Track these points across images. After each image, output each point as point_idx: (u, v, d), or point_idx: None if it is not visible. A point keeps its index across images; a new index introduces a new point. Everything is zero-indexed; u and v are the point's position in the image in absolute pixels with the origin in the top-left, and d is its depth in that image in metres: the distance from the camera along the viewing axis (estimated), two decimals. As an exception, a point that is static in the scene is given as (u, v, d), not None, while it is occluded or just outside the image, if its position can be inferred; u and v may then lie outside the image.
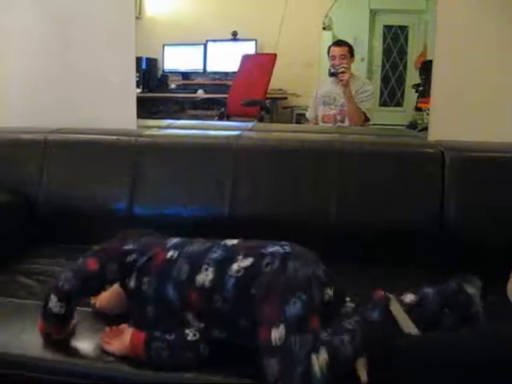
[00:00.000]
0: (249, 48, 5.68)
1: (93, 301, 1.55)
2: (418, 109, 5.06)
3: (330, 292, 1.36)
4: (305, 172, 1.92)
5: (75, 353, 1.37)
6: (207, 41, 5.96)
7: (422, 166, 1.91)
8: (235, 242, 1.45)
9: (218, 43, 5.99)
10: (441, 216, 1.85)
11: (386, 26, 6.46)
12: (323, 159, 1.93)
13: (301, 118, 5.00)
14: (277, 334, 1.21)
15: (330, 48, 3.75)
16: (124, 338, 1.36)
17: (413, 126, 5.08)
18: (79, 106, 2.34)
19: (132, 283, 1.45)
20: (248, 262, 1.35)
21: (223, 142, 2.01)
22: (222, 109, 4.99)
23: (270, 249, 1.37)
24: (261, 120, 4.52)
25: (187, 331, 1.35)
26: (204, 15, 5.90)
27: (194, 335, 1.34)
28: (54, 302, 1.39)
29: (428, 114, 2.29)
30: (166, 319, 1.41)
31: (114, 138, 2.08)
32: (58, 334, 1.42)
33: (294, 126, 3.77)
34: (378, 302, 1.38)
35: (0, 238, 1.88)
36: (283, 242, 1.41)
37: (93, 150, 2.08)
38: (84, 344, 1.39)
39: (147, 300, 1.43)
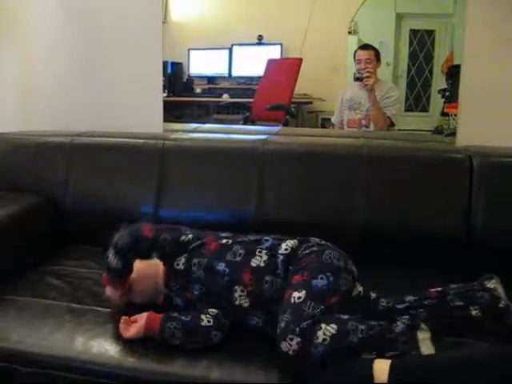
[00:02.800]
0: (274, 52, 5.68)
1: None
2: (444, 114, 5.01)
3: (359, 288, 1.49)
4: (332, 177, 1.91)
5: (103, 353, 1.38)
6: (232, 45, 5.97)
7: (450, 171, 1.89)
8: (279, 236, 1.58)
9: (244, 47, 6.00)
10: (468, 221, 1.83)
11: (412, 30, 6.40)
12: (350, 164, 1.92)
13: (326, 123, 4.99)
14: (297, 294, 1.34)
15: (355, 52, 3.74)
16: (140, 322, 1.42)
17: (438, 131, 5.03)
18: (106, 109, 2.36)
19: (181, 264, 1.55)
20: (294, 242, 1.52)
21: (250, 147, 2.01)
22: (247, 113, 4.99)
23: (314, 239, 1.53)
24: (286, 124, 4.52)
25: (202, 316, 1.42)
26: (229, 19, 5.92)
27: (209, 322, 1.41)
28: (111, 257, 1.52)
29: (454, 119, 2.27)
30: (210, 297, 1.49)
31: (141, 141, 2.09)
32: (119, 287, 1.53)
33: (320, 130, 3.76)
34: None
35: (28, 240, 1.90)
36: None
37: (119, 154, 2.09)
38: (111, 345, 1.40)
39: (194, 280, 1.52)
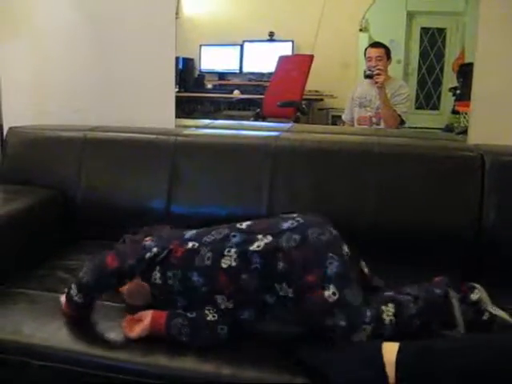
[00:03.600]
0: (285, 49, 5.68)
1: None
2: (454, 112, 5.00)
3: (346, 249, 1.42)
4: (343, 174, 1.91)
5: (114, 348, 1.38)
6: (244, 41, 5.98)
7: (462, 169, 1.88)
8: (248, 223, 1.51)
9: (255, 44, 6.00)
10: (479, 220, 1.83)
11: (423, 28, 6.39)
12: (362, 161, 1.92)
13: (336, 120, 4.98)
14: (328, 292, 1.30)
15: (366, 49, 3.73)
16: (145, 321, 1.40)
17: (449, 129, 5.01)
18: (118, 104, 2.37)
19: (157, 278, 1.49)
20: (268, 239, 1.41)
21: (262, 143, 2.01)
22: (258, 109, 5.00)
23: (285, 224, 1.43)
24: (296, 121, 4.52)
25: (207, 311, 1.40)
26: (241, 16, 5.92)
27: (214, 316, 1.39)
28: (74, 291, 1.47)
29: (465, 118, 2.26)
30: (196, 306, 1.44)
31: (153, 136, 2.10)
32: (77, 317, 1.49)
33: (332, 127, 3.76)
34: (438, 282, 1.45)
35: (40, 234, 1.92)
36: (294, 215, 1.47)
37: (131, 149, 2.10)
38: (122, 340, 1.40)
39: (175, 292, 1.48)
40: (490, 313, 1.38)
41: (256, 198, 1.93)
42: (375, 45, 3.71)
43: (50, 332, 1.44)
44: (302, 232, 1.40)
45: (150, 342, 1.38)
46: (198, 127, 2.36)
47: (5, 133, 2.24)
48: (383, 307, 1.32)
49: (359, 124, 3.68)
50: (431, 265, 1.74)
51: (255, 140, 2.07)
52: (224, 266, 1.41)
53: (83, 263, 1.53)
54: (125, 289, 1.55)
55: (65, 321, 1.49)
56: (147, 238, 1.58)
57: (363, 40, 5.55)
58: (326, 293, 1.31)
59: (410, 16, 6.27)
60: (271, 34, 5.84)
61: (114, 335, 1.42)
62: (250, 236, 1.44)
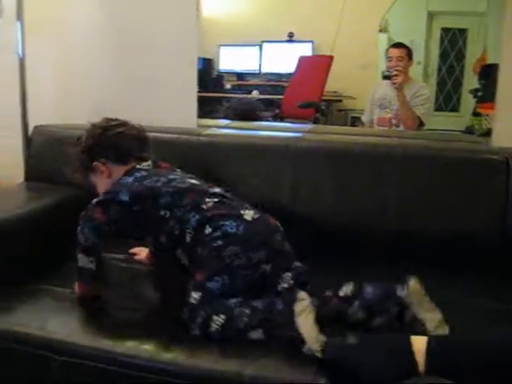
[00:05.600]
0: (305, 49, 5.68)
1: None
2: (475, 114, 4.97)
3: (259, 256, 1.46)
4: (365, 176, 1.90)
5: (136, 346, 1.38)
6: (263, 42, 5.99)
7: (486, 172, 1.86)
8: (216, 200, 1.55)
9: (274, 44, 6.01)
10: (504, 224, 1.81)
11: (443, 29, 6.36)
12: (384, 163, 1.90)
13: (355, 121, 4.97)
14: (195, 295, 1.41)
15: (387, 49, 3.71)
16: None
17: (469, 131, 4.98)
18: (141, 104, 2.37)
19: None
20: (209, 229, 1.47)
21: (283, 144, 2.01)
22: (277, 110, 5.00)
23: (227, 223, 1.48)
24: (315, 122, 4.52)
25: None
26: (260, 16, 5.93)
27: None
28: (84, 260, 1.53)
29: (487, 120, 2.24)
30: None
31: (175, 136, 2.10)
32: (95, 291, 1.55)
33: (353, 128, 3.75)
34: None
35: (65, 232, 1.92)
36: (254, 212, 1.55)
37: (153, 147, 2.10)
38: (145, 338, 1.41)
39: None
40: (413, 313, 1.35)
41: (277, 198, 1.92)
42: (397, 45, 3.68)
43: (73, 328, 1.45)
44: (225, 240, 1.47)
45: (171, 339, 1.38)
46: (218, 127, 2.37)
47: (30, 131, 2.26)
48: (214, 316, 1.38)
49: (379, 125, 3.66)
50: (452, 267, 1.73)
51: (277, 141, 2.07)
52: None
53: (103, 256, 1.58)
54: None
55: (88, 318, 1.50)
56: None
57: (383, 41, 5.54)
58: (193, 295, 1.41)
59: (431, 16, 6.24)
60: (290, 35, 5.85)
61: (136, 334, 1.43)
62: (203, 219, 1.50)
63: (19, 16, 2.24)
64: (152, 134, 1.93)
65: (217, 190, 1.62)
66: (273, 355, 1.32)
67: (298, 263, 1.54)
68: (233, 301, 1.40)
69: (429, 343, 1.21)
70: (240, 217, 1.51)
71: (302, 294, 1.37)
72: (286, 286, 1.48)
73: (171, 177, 1.62)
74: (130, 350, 1.37)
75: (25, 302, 1.56)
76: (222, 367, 1.31)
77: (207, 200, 1.54)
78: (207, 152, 2.05)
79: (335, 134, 2.19)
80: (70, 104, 2.43)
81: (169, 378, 1.31)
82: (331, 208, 1.90)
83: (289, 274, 1.49)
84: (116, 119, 1.77)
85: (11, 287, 1.59)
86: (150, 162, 1.70)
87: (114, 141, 1.71)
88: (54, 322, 1.47)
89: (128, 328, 1.46)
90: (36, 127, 2.24)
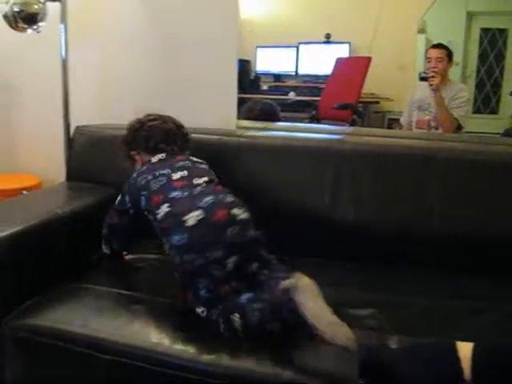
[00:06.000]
0: (342, 51, 5.65)
1: None
2: (516, 116, 4.89)
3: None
4: (408, 179, 1.88)
5: (178, 347, 1.39)
6: (300, 43, 5.98)
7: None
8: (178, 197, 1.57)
9: (311, 45, 6.00)
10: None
11: (483, 29, 6.27)
12: (426, 166, 1.88)
13: (392, 123, 4.94)
14: (199, 311, 1.45)
15: (427, 50, 3.68)
16: None
17: (508, 134, 4.90)
18: (181, 105, 2.37)
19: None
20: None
21: (325, 146, 2.00)
22: (313, 111, 4.99)
23: (172, 238, 1.50)
24: (353, 124, 4.49)
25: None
26: (297, 18, 5.93)
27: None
28: (104, 247, 1.81)
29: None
30: None
31: (216, 137, 2.11)
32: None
33: (393, 131, 3.70)
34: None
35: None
36: (201, 211, 1.49)
37: (194, 149, 2.12)
38: (186, 339, 1.42)
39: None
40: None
41: (319, 201, 1.91)
42: (437, 46, 3.64)
43: (116, 327, 1.46)
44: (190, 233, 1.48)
45: (212, 341, 1.39)
46: (257, 129, 2.36)
47: (72, 132, 2.29)
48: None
49: (417, 128, 3.62)
50: (496, 273, 1.71)
51: (318, 143, 2.05)
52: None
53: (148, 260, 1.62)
54: None
55: (130, 317, 1.51)
56: None
57: (421, 42, 5.49)
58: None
59: (470, 16, 6.16)
60: (327, 36, 5.83)
61: (177, 335, 1.43)
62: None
63: (63, 19, 2.27)
64: (193, 135, 1.95)
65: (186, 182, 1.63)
66: (306, 355, 1.32)
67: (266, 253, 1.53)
68: (243, 297, 1.39)
69: (474, 349, 1.19)
70: (182, 225, 1.49)
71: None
72: (266, 272, 1.47)
73: (162, 172, 1.66)
74: (171, 350, 1.38)
75: (66, 300, 1.58)
76: (262, 369, 1.31)
77: (165, 206, 1.57)
78: (248, 154, 2.05)
79: (376, 137, 2.16)
80: (111, 105, 2.46)
81: (210, 379, 1.31)
82: (373, 211, 1.88)
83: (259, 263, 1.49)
84: (156, 114, 1.88)
85: (52, 286, 1.62)
86: (163, 155, 1.76)
87: (145, 133, 1.82)
88: (96, 320, 1.48)
89: (169, 328, 1.47)
90: (78, 127, 2.27)
